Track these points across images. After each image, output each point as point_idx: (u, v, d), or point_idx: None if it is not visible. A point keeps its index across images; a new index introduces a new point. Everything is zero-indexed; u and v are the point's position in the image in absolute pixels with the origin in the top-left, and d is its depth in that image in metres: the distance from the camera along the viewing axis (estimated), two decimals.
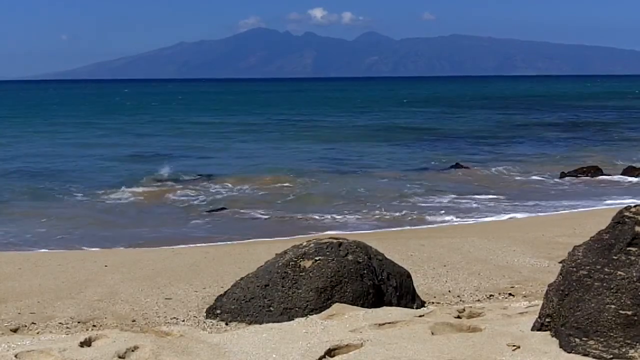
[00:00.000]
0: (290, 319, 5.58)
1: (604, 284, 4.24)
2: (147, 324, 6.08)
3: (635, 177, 20.71)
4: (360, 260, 6.05)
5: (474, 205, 16.93)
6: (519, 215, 15.36)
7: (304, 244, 6.30)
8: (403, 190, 18.99)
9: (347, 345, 4.61)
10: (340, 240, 6.24)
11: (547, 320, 4.54)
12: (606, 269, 4.29)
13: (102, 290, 7.40)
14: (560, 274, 4.57)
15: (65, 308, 6.64)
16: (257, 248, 10.42)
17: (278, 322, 5.51)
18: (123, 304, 6.81)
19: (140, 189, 19.60)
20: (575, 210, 15.78)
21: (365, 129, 40.57)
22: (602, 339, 4.14)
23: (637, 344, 4.06)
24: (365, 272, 6.00)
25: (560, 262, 7.35)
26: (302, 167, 23.89)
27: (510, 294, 7.03)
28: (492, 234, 11.31)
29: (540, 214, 15.58)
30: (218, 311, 6.17)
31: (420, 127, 41.23)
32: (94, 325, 6.11)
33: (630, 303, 4.12)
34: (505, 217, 15.27)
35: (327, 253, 6.03)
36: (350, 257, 6.03)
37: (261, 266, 6.39)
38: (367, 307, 5.70)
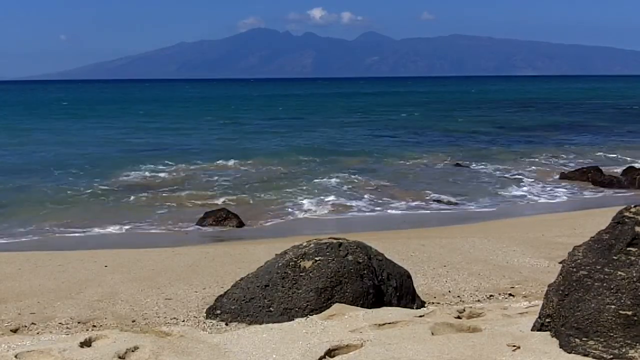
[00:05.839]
0: (290, 319, 5.58)
1: (604, 284, 4.24)
2: (147, 324, 6.08)
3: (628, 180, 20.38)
4: (360, 261, 6.05)
5: (472, 205, 16.99)
6: (518, 216, 15.40)
7: (304, 244, 6.29)
8: (402, 189, 19.06)
9: (347, 345, 4.61)
10: (340, 241, 6.23)
11: (547, 320, 4.53)
12: (606, 269, 4.29)
13: (102, 290, 7.40)
14: (560, 274, 4.56)
15: (65, 308, 6.64)
16: (257, 248, 10.42)
17: (278, 322, 5.51)
18: (123, 304, 6.81)
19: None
20: (575, 210, 15.80)
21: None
22: (602, 339, 4.14)
23: (637, 344, 4.06)
24: (365, 272, 6.00)
25: (560, 262, 7.35)
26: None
27: (510, 294, 7.03)
28: (492, 234, 11.31)
29: (540, 214, 15.59)
30: (218, 311, 6.17)
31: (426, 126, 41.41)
32: (94, 326, 6.11)
33: (630, 303, 4.12)
34: (504, 217, 15.31)
35: (327, 253, 6.03)
36: (350, 257, 6.03)
37: (261, 266, 6.39)
38: (367, 307, 5.70)
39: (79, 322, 6.20)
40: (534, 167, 23.58)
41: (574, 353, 4.19)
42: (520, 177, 21.66)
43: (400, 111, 58.72)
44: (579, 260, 4.46)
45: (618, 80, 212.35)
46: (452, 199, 17.41)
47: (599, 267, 4.33)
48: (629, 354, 4.05)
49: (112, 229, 14.41)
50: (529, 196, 18.37)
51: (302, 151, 28.28)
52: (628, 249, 4.31)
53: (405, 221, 14.97)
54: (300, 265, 6.00)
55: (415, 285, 6.54)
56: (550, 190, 19.21)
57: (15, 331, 5.95)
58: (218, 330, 5.72)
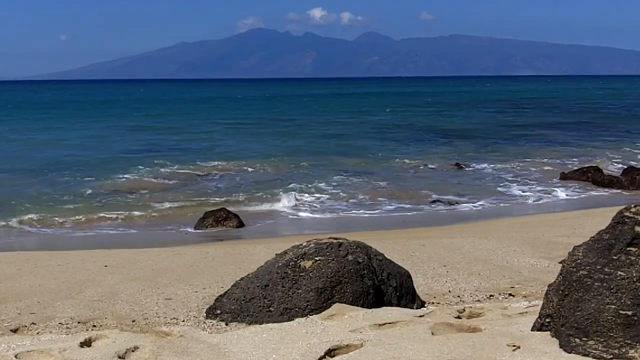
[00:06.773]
0: (290, 319, 5.58)
1: (604, 284, 4.24)
2: (147, 324, 6.08)
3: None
4: (360, 261, 6.05)
5: (473, 205, 16.99)
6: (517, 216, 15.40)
7: (304, 244, 6.29)
8: (402, 189, 19.06)
9: (347, 345, 4.60)
10: (340, 241, 6.23)
11: (547, 320, 4.53)
12: (606, 269, 4.29)
13: (102, 290, 7.39)
14: (560, 274, 4.56)
15: (65, 308, 6.64)
16: (257, 248, 10.41)
17: (278, 322, 5.50)
18: (123, 304, 6.81)
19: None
20: (575, 210, 15.80)
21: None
22: (602, 339, 4.14)
23: (637, 344, 4.06)
24: (365, 272, 6.00)
25: (560, 262, 7.35)
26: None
27: (510, 294, 7.02)
28: (492, 234, 11.31)
29: (539, 214, 15.59)
30: (218, 311, 6.17)
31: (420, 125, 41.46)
32: (94, 326, 6.11)
33: (630, 303, 4.12)
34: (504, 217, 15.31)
35: (327, 253, 6.03)
36: (350, 257, 6.03)
37: (261, 266, 6.39)
38: (367, 307, 5.69)
39: (79, 322, 6.20)
40: (533, 167, 23.59)
41: (574, 353, 4.19)
42: (520, 177, 21.68)
43: (400, 111, 58.80)
44: (579, 260, 4.46)
45: (618, 80, 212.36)
46: (452, 199, 17.42)
47: (599, 267, 4.33)
48: (629, 354, 4.05)
49: (111, 229, 14.42)
50: (529, 196, 18.38)
51: (302, 151, 28.31)
52: (628, 249, 4.31)
53: (405, 221, 14.98)
54: (300, 265, 6.00)
55: (415, 285, 6.54)
56: (550, 190, 19.21)
57: (15, 331, 5.95)
58: (218, 330, 5.72)
